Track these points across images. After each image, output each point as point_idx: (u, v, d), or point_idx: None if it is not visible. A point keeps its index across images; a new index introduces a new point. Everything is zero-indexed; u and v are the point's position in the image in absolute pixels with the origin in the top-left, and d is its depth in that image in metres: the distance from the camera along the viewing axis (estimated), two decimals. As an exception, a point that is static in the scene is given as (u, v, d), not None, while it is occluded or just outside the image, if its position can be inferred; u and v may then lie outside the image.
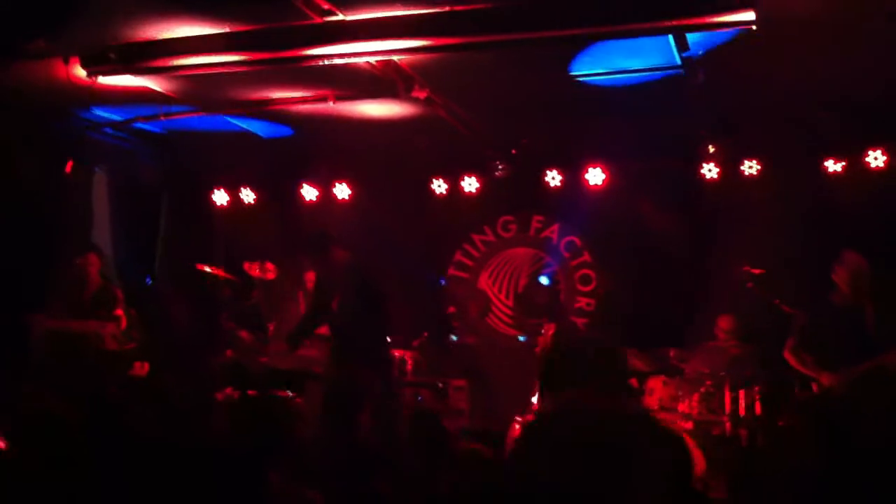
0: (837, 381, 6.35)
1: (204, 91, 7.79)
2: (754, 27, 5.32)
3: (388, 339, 8.01)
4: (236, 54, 6.36)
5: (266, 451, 3.58)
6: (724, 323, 8.28)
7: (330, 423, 6.66)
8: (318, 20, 5.97)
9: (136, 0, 5.85)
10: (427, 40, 6.00)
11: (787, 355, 6.78)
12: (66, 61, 6.82)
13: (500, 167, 9.47)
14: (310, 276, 8.54)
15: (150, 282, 9.86)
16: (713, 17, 5.32)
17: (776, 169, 8.83)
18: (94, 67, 6.78)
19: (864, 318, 6.44)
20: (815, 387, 6.75)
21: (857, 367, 6.28)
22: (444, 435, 3.74)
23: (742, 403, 7.50)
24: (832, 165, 8.66)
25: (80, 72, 6.85)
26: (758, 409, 7.46)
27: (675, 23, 5.54)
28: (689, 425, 7.57)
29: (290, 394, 7.94)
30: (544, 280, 9.93)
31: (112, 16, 6.10)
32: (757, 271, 7.68)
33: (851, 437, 5.88)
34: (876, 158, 8.47)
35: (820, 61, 6.78)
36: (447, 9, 5.80)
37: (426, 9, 5.83)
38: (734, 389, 7.58)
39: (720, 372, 7.79)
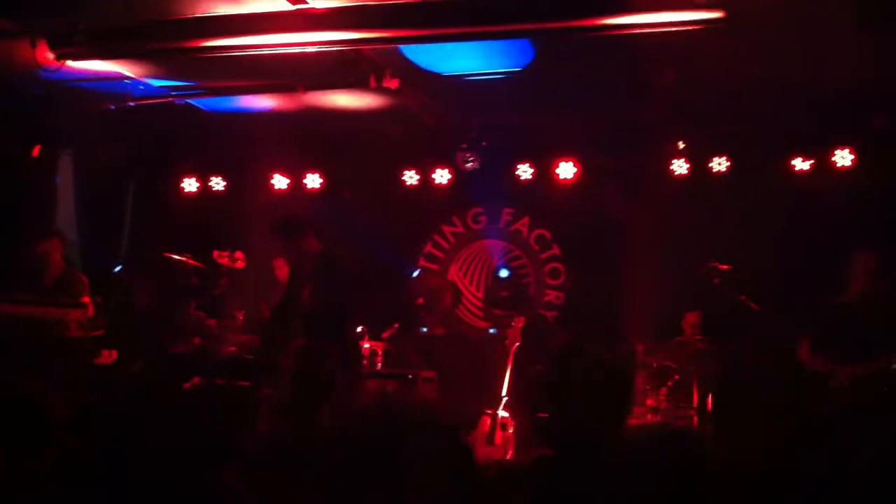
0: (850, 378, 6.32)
1: (173, 76, 7.73)
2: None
3: (358, 330, 8.01)
4: (206, 40, 6.31)
5: (228, 444, 3.55)
6: (691, 318, 8.33)
7: (294, 411, 6.63)
8: (288, 8, 5.94)
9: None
10: (398, 31, 5.99)
11: (805, 356, 6.72)
12: (34, 44, 6.73)
13: (470, 159, 9.46)
14: (278, 264, 8.49)
15: (119, 269, 9.75)
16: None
17: (745, 166, 8.89)
18: (62, 50, 6.70)
19: (872, 317, 6.45)
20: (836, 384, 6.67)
21: (861, 368, 6.29)
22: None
23: (709, 398, 7.56)
24: (800, 163, 8.74)
25: (48, 54, 6.77)
26: (722, 403, 7.51)
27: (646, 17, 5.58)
28: (658, 419, 7.62)
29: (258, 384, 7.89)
30: (504, 273, 9.95)
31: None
32: (724, 267, 7.73)
33: (848, 439, 5.93)
34: (843, 157, 8.55)
35: (787, 60, 6.83)
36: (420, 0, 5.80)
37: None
38: (701, 384, 7.63)
39: (687, 367, 7.84)
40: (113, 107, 8.46)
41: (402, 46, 6.63)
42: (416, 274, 10.15)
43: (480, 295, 10.23)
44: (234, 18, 6.20)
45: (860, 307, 6.48)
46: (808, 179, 8.69)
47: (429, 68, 7.19)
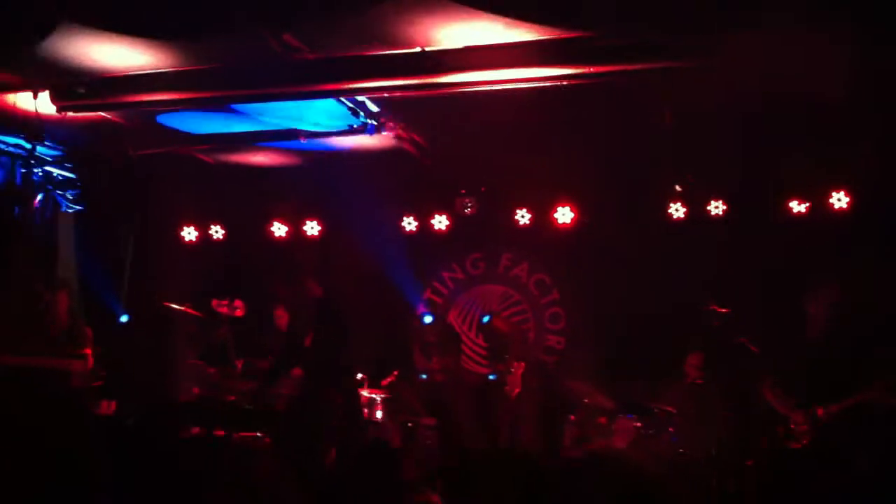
0: (813, 418, 6.34)
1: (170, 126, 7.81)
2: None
3: (358, 377, 7.98)
4: (206, 93, 6.39)
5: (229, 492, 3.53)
6: (693, 360, 8.29)
7: (288, 453, 6.63)
8: (286, 58, 6.01)
9: (107, 36, 5.85)
10: (399, 80, 6.05)
11: (766, 394, 6.77)
12: (36, 95, 6.80)
13: (469, 205, 9.51)
14: (279, 313, 8.48)
15: (127, 319, 9.70)
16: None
17: (742, 209, 8.93)
18: (64, 102, 6.76)
19: (841, 353, 6.46)
20: (792, 426, 6.74)
21: (839, 404, 6.28)
22: (398, 471, 3.69)
23: (712, 442, 7.51)
24: (797, 206, 8.77)
25: (51, 106, 6.83)
26: (728, 447, 7.47)
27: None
28: (659, 464, 7.56)
29: (258, 434, 7.85)
30: (485, 319, 9.91)
31: (82, 51, 6.10)
32: (723, 310, 7.72)
33: (838, 472, 5.93)
34: (839, 200, 8.59)
35: (784, 102, 6.88)
36: (418, 49, 5.87)
37: (397, 49, 5.90)
38: (703, 427, 7.59)
39: (689, 411, 7.80)
40: (114, 155, 8.53)
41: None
42: (429, 320, 10.05)
43: (479, 341, 10.21)
44: (232, 70, 6.27)
45: (822, 346, 6.51)
46: (805, 221, 8.72)
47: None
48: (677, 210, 9.05)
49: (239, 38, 5.78)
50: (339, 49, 5.93)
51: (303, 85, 6.19)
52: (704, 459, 7.48)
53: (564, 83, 6.00)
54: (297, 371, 7.43)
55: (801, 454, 6.47)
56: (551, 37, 5.69)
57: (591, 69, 5.72)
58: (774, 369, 6.77)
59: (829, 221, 8.59)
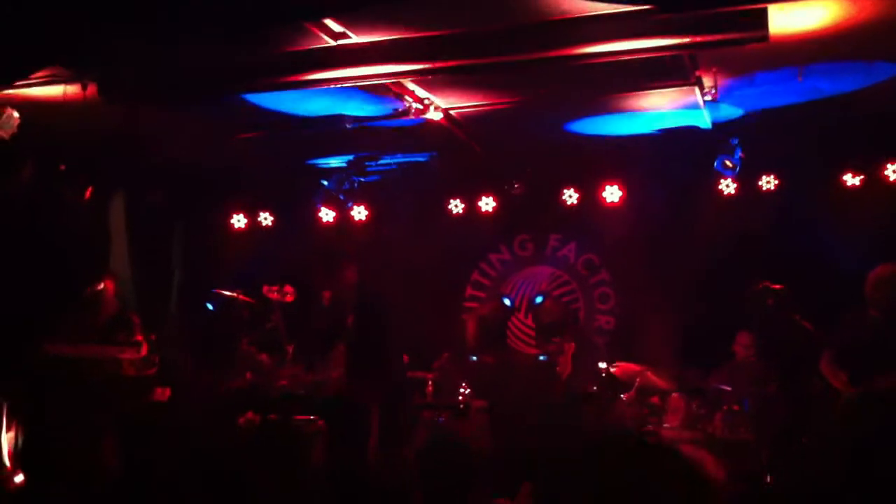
0: (861, 393, 6.25)
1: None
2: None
3: (406, 360, 8.01)
4: (252, 81, 6.43)
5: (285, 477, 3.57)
6: (744, 339, 8.21)
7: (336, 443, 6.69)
8: (330, 43, 6.01)
9: (152, 27, 5.89)
10: (440, 62, 6.02)
11: (823, 368, 6.68)
12: (85, 87, 6.86)
13: (515, 186, 9.47)
14: (327, 296, 8.54)
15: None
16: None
17: (794, 183, 8.78)
18: (113, 94, 6.82)
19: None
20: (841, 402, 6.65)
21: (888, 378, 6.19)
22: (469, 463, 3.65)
23: (765, 421, 7.43)
24: (850, 179, 8.61)
25: (99, 98, 6.90)
26: (780, 425, 7.38)
27: (690, 39, 5.55)
28: (712, 443, 7.50)
29: (312, 417, 7.92)
30: (538, 299, 9.82)
31: (129, 42, 6.15)
32: (776, 287, 7.62)
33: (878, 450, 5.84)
34: (895, 171, 8.42)
35: (834, 70, 6.75)
36: (462, 30, 5.83)
37: (440, 31, 5.86)
38: (756, 406, 7.50)
39: (742, 389, 7.72)
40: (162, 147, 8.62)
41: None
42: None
43: (529, 322, 10.18)
44: (276, 57, 6.28)
45: (883, 322, 6.39)
46: (859, 194, 8.55)
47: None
48: (728, 186, 8.92)
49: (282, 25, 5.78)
50: (383, 32, 5.91)
51: (352, 69, 6.16)
52: (756, 438, 7.41)
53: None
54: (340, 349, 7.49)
55: (856, 430, 6.35)
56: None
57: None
58: (830, 345, 6.65)
59: (884, 194, 8.42)
